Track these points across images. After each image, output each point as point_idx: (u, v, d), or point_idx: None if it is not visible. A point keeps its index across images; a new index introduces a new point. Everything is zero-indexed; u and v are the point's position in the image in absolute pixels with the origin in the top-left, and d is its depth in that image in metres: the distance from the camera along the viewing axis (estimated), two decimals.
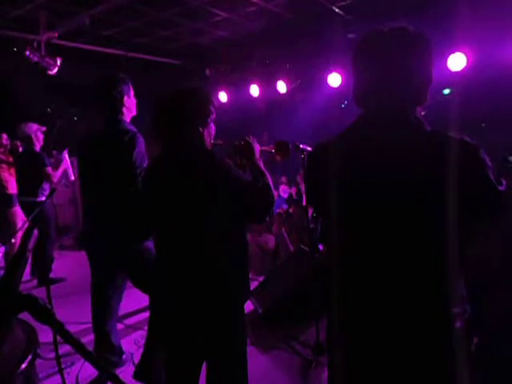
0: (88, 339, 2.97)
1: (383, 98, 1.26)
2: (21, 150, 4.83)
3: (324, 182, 1.29)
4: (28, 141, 4.71)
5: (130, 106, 2.61)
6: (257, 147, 1.97)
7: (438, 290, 1.19)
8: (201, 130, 1.78)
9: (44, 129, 4.84)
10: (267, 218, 1.81)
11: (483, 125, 5.39)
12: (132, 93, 2.64)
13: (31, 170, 4.63)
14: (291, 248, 4.83)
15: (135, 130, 2.54)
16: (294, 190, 6.38)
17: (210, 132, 1.85)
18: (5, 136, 4.84)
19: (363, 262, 1.25)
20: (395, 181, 1.19)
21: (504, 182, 1.22)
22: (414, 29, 1.25)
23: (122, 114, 2.56)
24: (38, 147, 4.76)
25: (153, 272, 2.06)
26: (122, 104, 2.54)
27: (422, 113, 1.27)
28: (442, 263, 1.17)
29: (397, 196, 1.18)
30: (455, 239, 1.14)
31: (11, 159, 4.83)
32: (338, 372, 1.33)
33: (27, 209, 4.67)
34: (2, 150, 4.78)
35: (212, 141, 1.90)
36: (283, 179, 6.68)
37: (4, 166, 4.79)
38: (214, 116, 1.84)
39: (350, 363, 1.28)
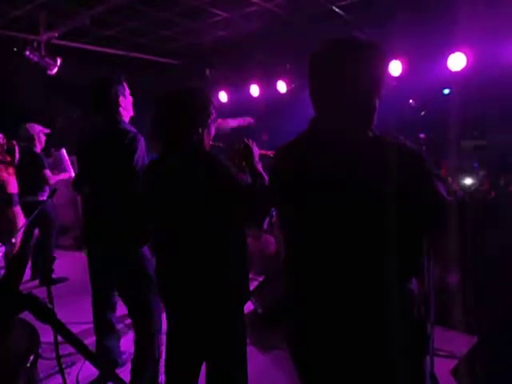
0: (89, 339, 2.97)
1: (324, 107, 1.30)
2: (17, 150, 4.81)
3: (292, 186, 1.33)
4: (30, 141, 4.68)
5: (126, 106, 2.55)
6: (256, 151, 1.97)
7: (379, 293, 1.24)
8: (200, 130, 1.78)
9: (47, 131, 4.83)
10: (265, 220, 1.80)
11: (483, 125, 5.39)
12: (128, 92, 2.57)
13: (31, 170, 4.62)
14: None
15: (135, 130, 2.47)
16: None
17: (210, 133, 1.85)
18: (1, 135, 4.82)
19: (321, 260, 1.31)
20: (343, 188, 1.20)
21: (450, 195, 1.21)
22: (355, 39, 1.29)
23: (119, 114, 2.50)
24: (38, 148, 4.73)
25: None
26: (118, 105, 2.49)
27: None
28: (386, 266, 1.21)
29: (342, 202, 1.20)
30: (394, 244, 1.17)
31: (9, 159, 4.81)
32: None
33: (28, 209, 4.66)
34: None
35: (211, 142, 1.90)
36: None
37: (1, 165, 4.78)
38: (214, 117, 1.84)
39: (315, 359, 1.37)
